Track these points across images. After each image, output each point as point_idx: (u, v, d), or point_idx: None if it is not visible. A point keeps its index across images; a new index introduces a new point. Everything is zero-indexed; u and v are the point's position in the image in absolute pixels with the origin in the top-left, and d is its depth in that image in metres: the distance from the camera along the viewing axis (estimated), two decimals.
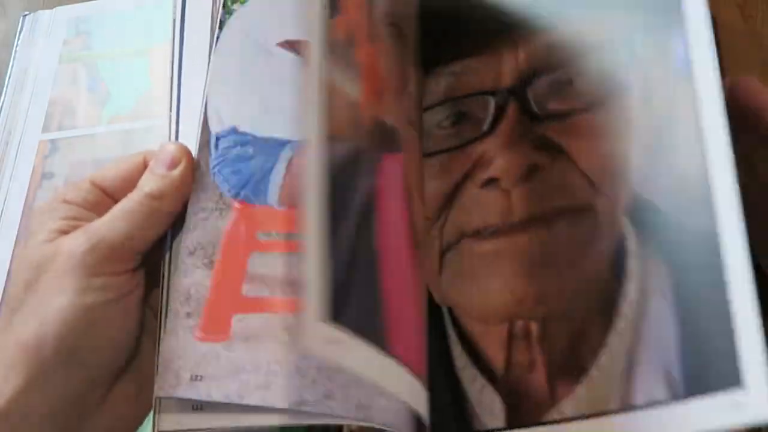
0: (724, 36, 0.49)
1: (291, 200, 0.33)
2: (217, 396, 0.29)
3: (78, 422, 0.31)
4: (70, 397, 0.30)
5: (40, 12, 0.51)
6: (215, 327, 0.31)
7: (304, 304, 0.29)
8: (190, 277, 0.31)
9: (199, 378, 0.29)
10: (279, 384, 0.30)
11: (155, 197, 0.32)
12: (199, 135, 0.33)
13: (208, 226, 0.32)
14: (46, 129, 0.48)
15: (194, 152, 0.34)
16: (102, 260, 0.30)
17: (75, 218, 0.32)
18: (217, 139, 0.34)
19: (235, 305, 0.31)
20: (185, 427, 0.30)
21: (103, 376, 0.32)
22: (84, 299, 0.30)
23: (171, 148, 0.33)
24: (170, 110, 0.35)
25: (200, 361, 0.30)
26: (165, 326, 0.31)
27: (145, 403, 0.31)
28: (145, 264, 0.33)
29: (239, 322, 0.31)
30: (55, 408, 0.30)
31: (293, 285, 0.33)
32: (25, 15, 0.51)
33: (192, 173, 0.33)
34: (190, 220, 0.32)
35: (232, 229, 0.32)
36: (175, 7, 0.37)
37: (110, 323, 0.31)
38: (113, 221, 0.31)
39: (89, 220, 0.32)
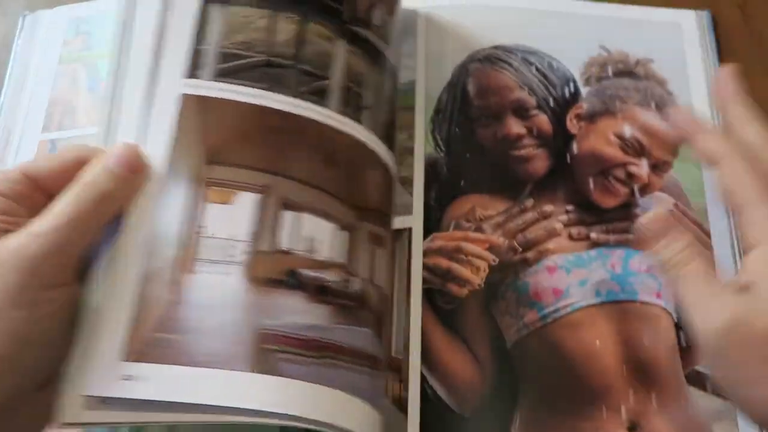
0: (725, 36, 0.49)
1: None
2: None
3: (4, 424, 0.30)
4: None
5: (40, 12, 0.51)
6: None
7: None
8: None
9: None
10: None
11: (107, 197, 0.31)
12: None
13: None
14: (46, 129, 0.48)
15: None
16: (42, 271, 0.29)
17: (3, 212, 0.31)
18: None
19: None
20: (85, 420, 0.29)
21: (34, 383, 0.31)
22: (20, 311, 0.29)
23: (134, 151, 0.32)
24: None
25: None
26: None
27: None
28: (80, 272, 0.32)
29: None
30: None
31: None
32: (25, 15, 0.51)
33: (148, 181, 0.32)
34: None
35: None
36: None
37: (45, 332, 0.30)
38: (57, 224, 0.30)
39: (17, 213, 0.31)
